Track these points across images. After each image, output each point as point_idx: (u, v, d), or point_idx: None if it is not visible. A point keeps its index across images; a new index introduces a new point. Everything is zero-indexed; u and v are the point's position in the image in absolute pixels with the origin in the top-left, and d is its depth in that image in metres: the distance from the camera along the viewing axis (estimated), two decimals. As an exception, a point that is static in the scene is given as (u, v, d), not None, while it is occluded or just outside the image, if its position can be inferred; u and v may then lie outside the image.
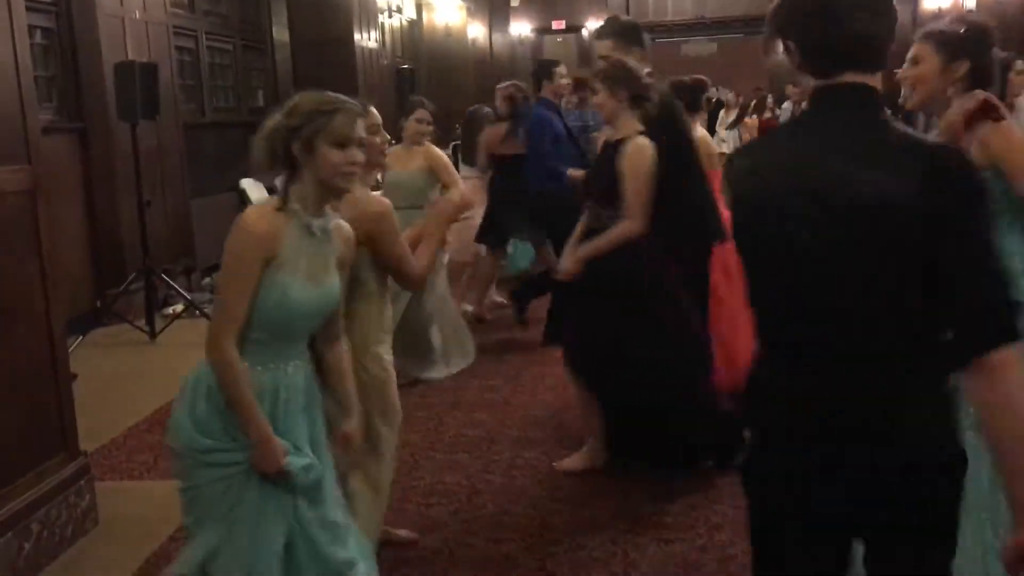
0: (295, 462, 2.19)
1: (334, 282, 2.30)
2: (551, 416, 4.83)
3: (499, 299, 7.31)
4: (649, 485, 3.91)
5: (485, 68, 18.30)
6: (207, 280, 8.03)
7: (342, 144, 2.17)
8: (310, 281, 2.20)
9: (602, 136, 4.27)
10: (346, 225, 2.37)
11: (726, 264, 4.42)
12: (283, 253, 2.14)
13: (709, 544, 3.39)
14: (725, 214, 3.60)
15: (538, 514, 3.69)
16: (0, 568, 3.14)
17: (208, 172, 8.94)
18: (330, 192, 2.23)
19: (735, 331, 4.37)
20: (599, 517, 3.63)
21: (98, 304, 7.07)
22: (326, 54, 11.44)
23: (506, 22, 19.29)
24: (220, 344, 2.12)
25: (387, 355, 2.94)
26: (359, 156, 2.21)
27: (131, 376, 5.76)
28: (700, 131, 5.15)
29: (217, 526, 2.19)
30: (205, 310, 6.89)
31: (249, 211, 2.19)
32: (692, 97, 5.14)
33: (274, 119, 2.21)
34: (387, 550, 3.25)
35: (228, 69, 10.11)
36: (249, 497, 2.17)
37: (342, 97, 2.25)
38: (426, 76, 15.77)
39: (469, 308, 6.87)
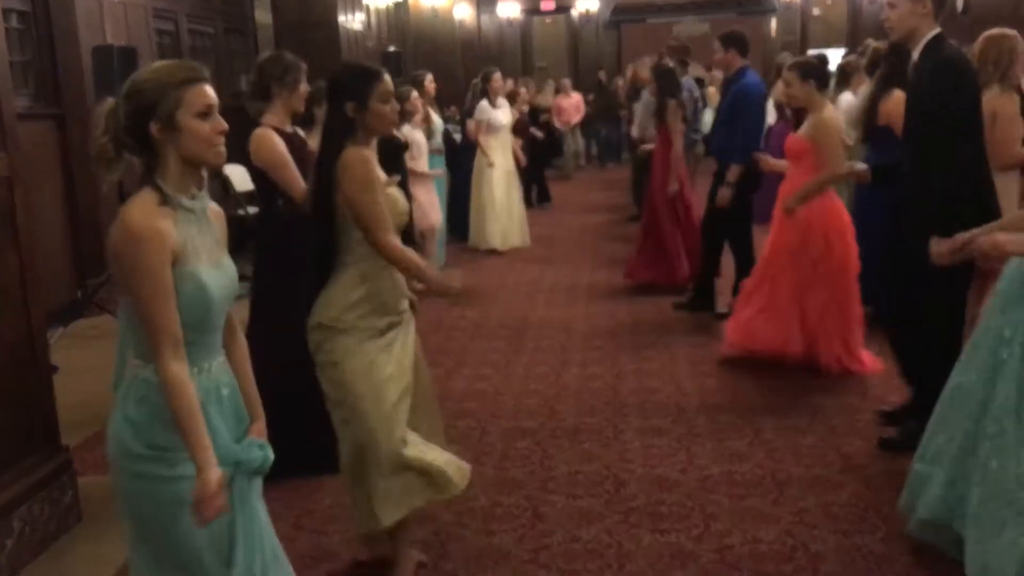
0: (247, 451, 2.09)
1: (230, 261, 2.15)
2: (543, 405, 4.76)
3: None
4: (644, 475, 3.86)
5: (473, 50, 18.16)
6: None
7: (205, 113, 2.02)
8: (211, 264, 2.05)
9: None
10: (212, 203, 2.17)
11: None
12: (180, 245, 1.99)
13: (705, 534, 3.34)
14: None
15: (530, 505, 3.63)
16: (-20, 567, 3.06)
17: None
18: (198, 167, 2.06)
19: None
20: (593, 508, 3.58)
21: (79, 294, 6.95)
22: (310, 37, 11.26)
23: (494, 3, 19.13)
24: (167, 366, 1.94)
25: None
26: (223, 123, 2.06)
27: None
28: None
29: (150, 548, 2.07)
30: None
31: (132, 214, 1.96)
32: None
33: (106, 108, 2.04)
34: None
35: (210, 52, 9.95)
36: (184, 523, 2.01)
37: (187, 63, 2.09)
38: (413, 58, 15.61)
39: None
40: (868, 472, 3.80)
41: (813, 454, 3.99)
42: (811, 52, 13.96)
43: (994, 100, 4.23)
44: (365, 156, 2.84)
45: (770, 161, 5.34)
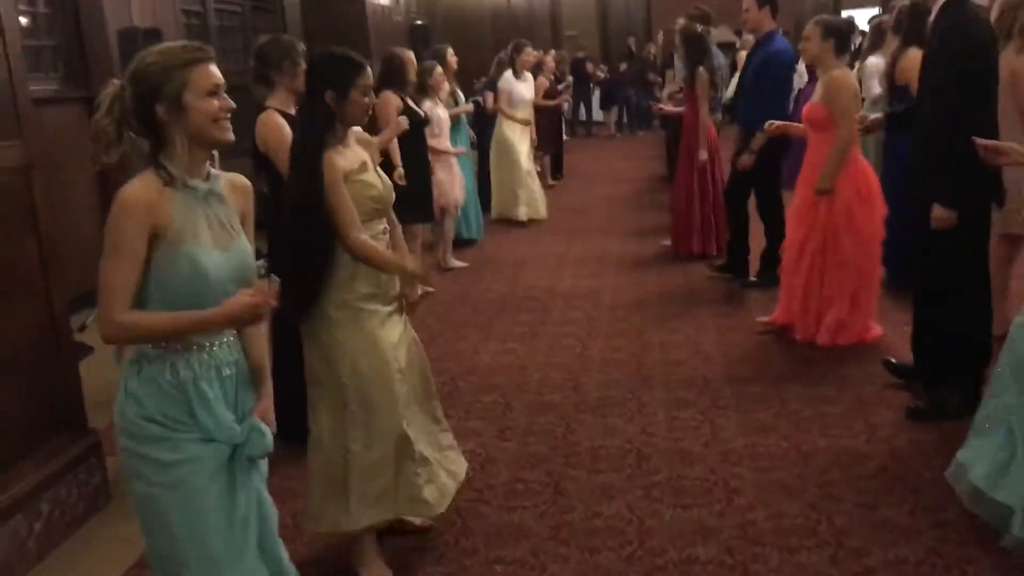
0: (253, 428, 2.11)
1: (242, 244, 2.13)
2: (568, 378, 4.74)
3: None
4: (667, 449, 3.83)
5: (502, 21, 18.01)
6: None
7: (212, 92, 2.02)
8: (216, 247, 2.04)
9: None
10: (239, 176, 2.21)
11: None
12: (176, 224, 1.99)
13: (727, 509, 3.31)
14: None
15: (552, 481, 3.62)
16: (11, 549, 3.12)
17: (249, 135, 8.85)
18: (206, 148, 2.07)
19: None
20: (614, 483, 3.56)
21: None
22: (337, 12, 11.24)
23: (523, -26, 18.95)
24: (111, 318, 1.95)
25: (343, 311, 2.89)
26: (230, 102, 2.06)
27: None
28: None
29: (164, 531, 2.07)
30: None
31: (128, 184, 2.01)
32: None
33: (112, 91, 2.05)
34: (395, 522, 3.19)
35: (237, 31, 9.96)
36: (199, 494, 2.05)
37: (192, 44, 2.09)
38: (442, 31, 15.50)
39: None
40: (895, 443, 3.73)
41: (840, 425, 3.93)
42: (844, 14, 13.69)
43: (1013, 60, 4.09)
44: (331, 159, 2.81)
45: (783, 126, 5.17)
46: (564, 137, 12.25)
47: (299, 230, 2.91)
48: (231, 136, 2.08)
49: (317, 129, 2.86)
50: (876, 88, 6.09)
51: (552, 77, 11.16)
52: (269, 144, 3.81)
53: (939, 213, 3.60)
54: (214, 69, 2.05)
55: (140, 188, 2.00)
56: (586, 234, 8.51)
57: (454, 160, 7.30)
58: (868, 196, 4.69)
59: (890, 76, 5.42)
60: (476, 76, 12.72)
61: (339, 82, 2.83)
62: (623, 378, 4.70)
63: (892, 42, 5.83)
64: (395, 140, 5.90)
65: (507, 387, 4.68)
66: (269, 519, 2.26)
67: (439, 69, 7.09)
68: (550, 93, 10.89)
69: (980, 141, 3.13)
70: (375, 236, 2.92)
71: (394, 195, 3.08)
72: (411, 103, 6.26)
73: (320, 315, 2.90)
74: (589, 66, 16.79)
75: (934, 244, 3.70)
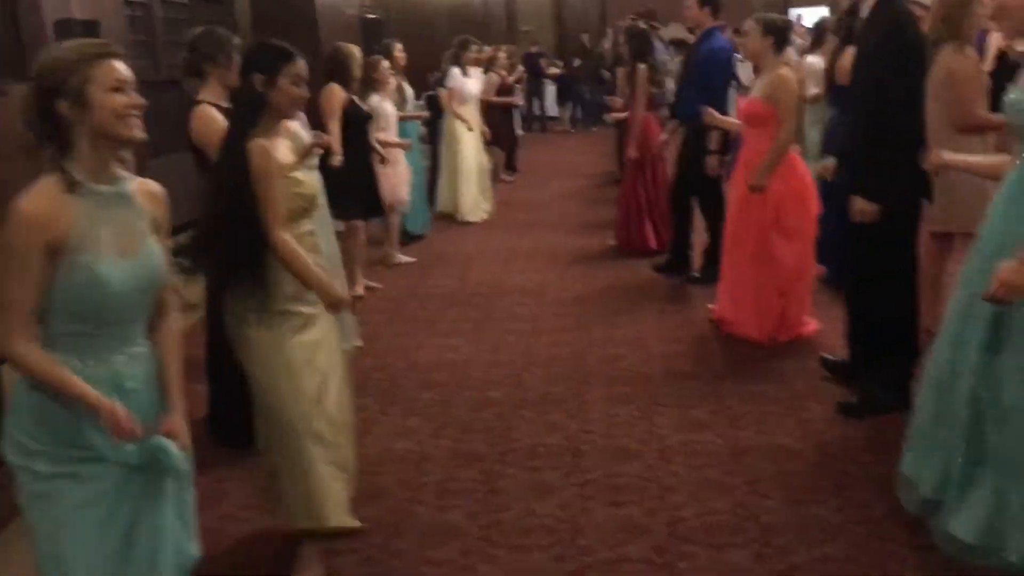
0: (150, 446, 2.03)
1: (151, 251, 2.06)
2: (511, 375, 4.73)
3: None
4: (604, 446, 3.84)
5: (458, 17, 17.92)
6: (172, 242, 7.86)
7: (117, 88, 1.96)
8: (120, 255, 1.99)
9: None
10: (152, 183, 2.13)
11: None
12: (75, 232, 1.93)
13: (659, 507, 3.32)
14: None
15: (487, 479, 3.61)
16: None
17: (167, 130, 8.68)
18: (113, 147, 2.01)
19: None
20: (550, 482, 3.55)
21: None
22: (287, 5, 11.11)
23: (477, -33, 18.89)
24: (6, 339, 1.91)
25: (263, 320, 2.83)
26: (139, 98, 2.00)
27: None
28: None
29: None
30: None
31: (25, 194, 1.93)
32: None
33: (23, 91, 1.98)
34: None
35: (184, 24, 9.78)
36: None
37: (97, 40, 2.04)
38: (396, 26, 15.38)
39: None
40: (825, 439, 3.77)
41: (773, 421, 3.97)
42: (792, 12, 13.84)
43: (948, 59, 4.14)
44: (264, 147, 2.76)
45: (718, 117, 5.23)
46: (519, 133, 12.21)
47: (224, 220, 2.85)
48: (140, 133, 2.01)
49: (247, 114, 2.82)
50: (813, 88, 6.15)
51: (505, 73, 11.13)
52: (204, 138, 3.75)
53: (860, 206, 3.66)
54: (120, 65, 1.99)
55: (36, 199, 1.93)
56: (536, 229, 8.51)
57: (401, 156, 7.23)
58: (802, 194, 4.74)
59: (830, 74, 5.47)
60: (431, 71, 12.67)
61: (267, 67, 2.80)
62: (565, 374, 4.70)
63: (832, 41, 5.91)
64: (338, 130, 5.88)
65: (448, 384, 4.66)
66: (164, 551, 2.11)
67: (385, 63, 7.04)
68: (504, 89, 10.86)
69: (935, 159, 3.14)
70: (299, 237, 2.87)
71: (324, 193, 3.04)
72: (356, 98, 6.21)
73: (240, 313, 2.85)
74: (543, 62, 16.80)
75: (863, 235, 3.74)
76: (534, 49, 16.78)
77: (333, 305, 2.89)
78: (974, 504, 2.68)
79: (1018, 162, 2.68)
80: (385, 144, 6.69)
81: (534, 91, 16.22)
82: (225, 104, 3.81)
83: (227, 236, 2.84)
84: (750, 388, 4.33)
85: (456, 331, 5.54)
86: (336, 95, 5.99)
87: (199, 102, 3.87)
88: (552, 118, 17.78)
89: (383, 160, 6.62)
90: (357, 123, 6.16)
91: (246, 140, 2.76)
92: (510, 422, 4.13)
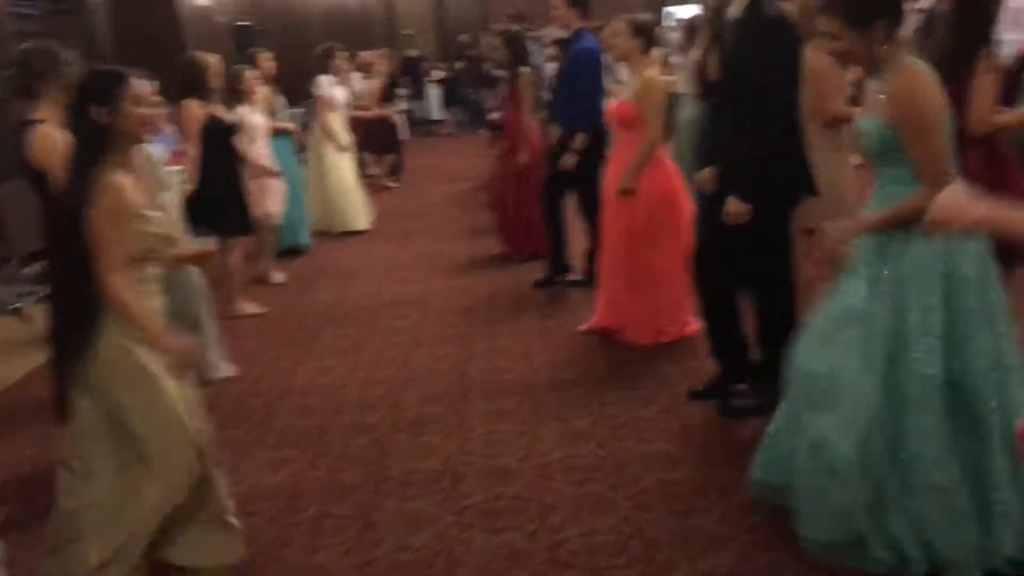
0: None
1: None
2: (388, 395, 4.54)
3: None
4: (483, 467, 3.69)
5: (336, 22, 17.54)
6: (27, 270, 7.37)
7: None
8: None
9: None
10: None
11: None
12: None
13: (540, 529, 3.18)
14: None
15: (361, 513, 3.41)
16: None
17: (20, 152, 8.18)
18: None
19: None
20: (426, 511, 3.38)
21: None
22: (150, 14, 10.64)
23: (352, -29, 18.53)
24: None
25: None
26: None
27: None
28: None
29: None
30: (15, 306, 6.33)
31: None
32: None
33: None
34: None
35: (37, 37, 9.24)
36: None
37: None
38: (271, 32, 14.92)
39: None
40: (708, 444, 3.71)
41: (655, 428, 3.88)
42: (666, 10, 13.98)
43: (809, 55, 4.14)
44: (116, 184, 2.57)
45: None
46: (403, 138, 11.98)
47: (66, 259, 2.63)
48: None
49: (93, 148, 2.61)
50: (686, 87, 6.13)
51: (384, 78, 10.89)
52: (45, 162, 3.48)
53: (734, 208, 3.59)
54: None
55: None
56: (419, 237, 8.31)
57: (274, 167, 6.94)
58: (673, 196, 4.68)
59: (701, 71, 5.44)
60: (309, 78, 12.31)
61: (104, 95, 2.60)
62: (445, 390, 4.54)
63: (704, 39, 5.89)
64: (196, 152, 5.58)
65: (324, 409, 4.44)
66: None
67: (249, 73, 6.74)
68: (385, 95, 10.63)
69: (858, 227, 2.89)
70: (145, 281, 2.67)
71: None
72: (217, 111, 5.91)
73: (92, 355, 2.63)
74: (425, 65, 16.59)
75: (739, 235, 3.68)
76: (414, 53, 16.54)
77: (177, 363, 2.72)
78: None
79: (877, 184, 2.69)
80: (255, 168, 6.37)
81: (417, 95, 15.98)
82: (63, 126, 3.54)
83: (65, 278, 2.64)
84: (632, 394, 4.24)
85: (334, 350, 5.31)
86: (192, 112, 5.69)
87: (35, 122, 3.58)
88: (437, 121, 17.57)
89: (256, 173, 6.33)
90: (220, 136, 5.86)
91: (93, 175, 2.56)
92: (385, 448, 3.94)
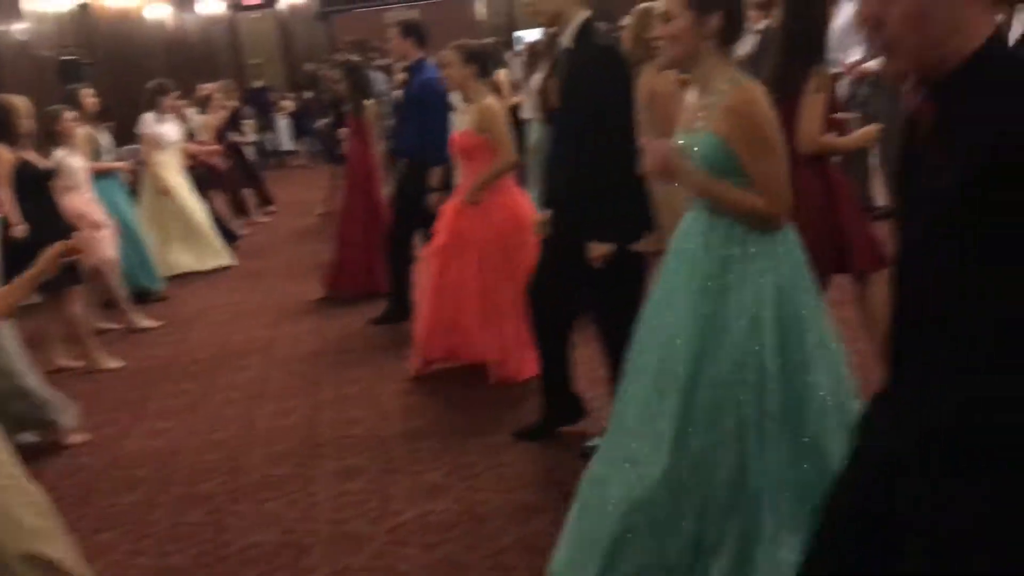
0: None
1: None
2: (226, 459, 4.16)
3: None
4: (330, 535, 3.37)
5: (177, 54, 16.81)
6: None
7: None
8: None
9: None
10: None
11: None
12: None
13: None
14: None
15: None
16: None
17: None
18: None
19: None
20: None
21: None
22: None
23: (192, 1, 17.86)
24: None
25: None
26: None
27: None
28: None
29: None
30: None
31: None
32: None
33: None
34: None
35: None
36: None
37: None
38: (105, 65, 14.11)
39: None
40: (567, 489, 3.49)
41: (513, 475, 3.66)
42: (516, 35, 14.00)
43: (650, 79, 4.06)
44: None
45: None
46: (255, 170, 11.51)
47: None
48: None
49: None
50: (532, 111, 6.02)
51: (224, 111, 10.38)
52: None
53: (597, 251, 3.39)
54: None
55: None
56: (266, 277, 7.89)
57: (100, 213, 6.42)
58: (522, 231, 4.48)
59: (544, 96, 5.32)
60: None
61: None
62: (291, 449, 4.20)
63: (545, 65, 5.78)
64: (9, 197, 5.10)
65: (152, 480, 4.03)
66: None
67: (67, 114, 6.23)
68: (227, 127, 10.17)
69: None
70: None
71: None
72: (30, 156, 5.42)
73: None
74: (272, 95, 16.09)
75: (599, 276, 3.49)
76: (259, 83, 16.02)
77: None
78: None
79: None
80: (74, 218, 5.84)
81: (266, 126, 15.46)
82: None
83: None
84: (488, 440, 4.01)
85: (168, 411, 4.88)
86: (3, 158, 5.20)
87: None
88: (289, 152, 17.06)
89: (80, 222, 5.83)
90: (34, 183, 5.37)
91: None
92: (222, 521, 3.58)
